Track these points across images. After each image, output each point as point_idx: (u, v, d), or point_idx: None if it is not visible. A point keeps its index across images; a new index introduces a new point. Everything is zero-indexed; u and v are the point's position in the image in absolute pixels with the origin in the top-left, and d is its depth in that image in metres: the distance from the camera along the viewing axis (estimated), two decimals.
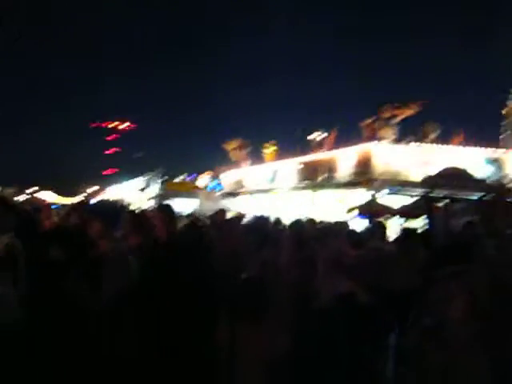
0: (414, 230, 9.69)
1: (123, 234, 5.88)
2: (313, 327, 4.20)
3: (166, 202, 40.94)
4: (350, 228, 9.79)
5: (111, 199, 47.73)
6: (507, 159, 25.57)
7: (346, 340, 4.01)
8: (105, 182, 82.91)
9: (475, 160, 24.05)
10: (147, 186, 60.44)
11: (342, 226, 9.68)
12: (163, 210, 6.11)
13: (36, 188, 61.86)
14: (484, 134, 46.58)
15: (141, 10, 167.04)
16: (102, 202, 14.81)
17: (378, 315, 4.32)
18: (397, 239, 8.16)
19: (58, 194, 57.92)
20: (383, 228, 9.10)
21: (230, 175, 43.90)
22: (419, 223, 18.48)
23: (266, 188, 35.17)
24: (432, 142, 26.01)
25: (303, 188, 30.58)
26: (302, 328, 4.35)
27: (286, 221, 12.70)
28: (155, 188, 56.30)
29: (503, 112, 42.65)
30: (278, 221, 12.02)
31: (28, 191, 60.14)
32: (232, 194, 42.01)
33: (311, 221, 10.38)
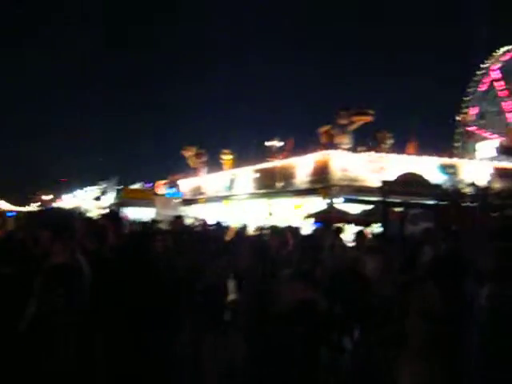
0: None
1: (77, 241, 5.75)
2: (273, 334, 4.19)
3: (123, 209, 40.61)
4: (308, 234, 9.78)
5: (66, 207, 46.82)
6: (461, 165, 26.14)
7: (304, 345, 4.04)
8: (60, 189, 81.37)
9: (429, 167, 24.48)
10: (103, 193, 59.70)
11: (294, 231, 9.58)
12: (111, 218, 6.05)
13: None
14: (438, 140, 47.88)
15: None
16: (55, 210, 14.37)
17: (335, 321, 4.38)
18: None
19: (11, 203, 56.50)
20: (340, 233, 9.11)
21: (189, 182, 43.64)
22: (375, 230, 18.71)
23: (223, 195, 35.08)
24: (387, 149, 26.42)
25: (260, 195, 30.59)
26: (262, 335, 4.33)
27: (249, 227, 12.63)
28: (111, 196, 55.66)
29: (458, 118, 43.85)
30: (243, 228, 11.97)
31: None
32: (190, 201, 41.79)
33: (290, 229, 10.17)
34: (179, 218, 11.04)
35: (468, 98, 45.03)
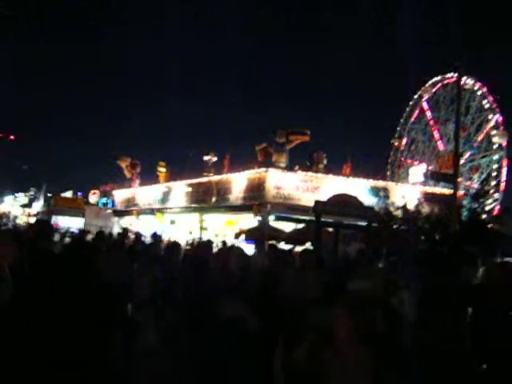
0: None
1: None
2: (206, 349, 4.12)
3: (53, 217, 39.39)
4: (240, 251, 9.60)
5: None
6: (393, 189, 26.80)
7: (233, 360, 3.99)
8: None
9: (362, 189, 24.94)
10: (33, 200, 57.94)
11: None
12: (38, 226, 5.73)
13: None
14: (371, 163, 49.13)
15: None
16: None
17: (264, 336, 4.27)
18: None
19: None
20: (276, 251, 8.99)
21: (122, 193, 42.84)
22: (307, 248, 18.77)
23: (156, 207, 34.60)
24: (322, 169, 26.76)
25: (193, 210, 30.29)
26: (197, 352, 4.23)
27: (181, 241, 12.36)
28: (40, 203, 54.09)
29: (393, 143, 45.11)
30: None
31: None
32: (122, 213, 41.04)
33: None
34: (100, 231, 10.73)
35: (399, 129, 46.62)
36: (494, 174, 39.32)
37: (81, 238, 10.96)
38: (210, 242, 9.18)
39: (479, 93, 40.32)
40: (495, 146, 39.90)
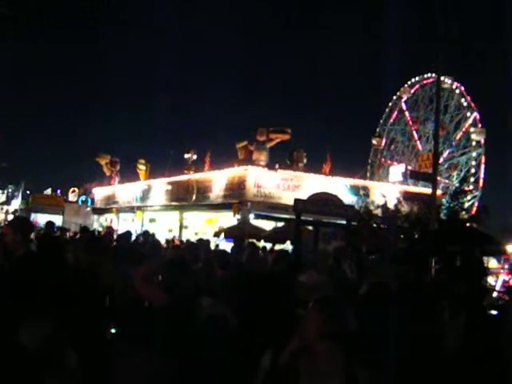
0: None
1: None
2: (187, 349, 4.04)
3: (32, 214, 38.92)
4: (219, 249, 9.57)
5: None
6: (373, 187, 26.92)
7: (216, 362, 3.89)
8: None
9: (343, 188, 25.03)
10: (11, 198, 57.28)
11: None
12: (16, 224, 5.56)
13: None
14: (351, 161, 49.37)
15: None
16: None
17: (246, 338, 4.22)
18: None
19: None
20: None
21: (102, 191, 42.49)
22: (286, 247, 18.77)
23: (135, 205, 34.38)
24: (302, 168, 26.77)
25: (173, 208, 30.13)
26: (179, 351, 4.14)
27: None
28: (18, 201, 53.53)
29: (373, 142, 45.42)
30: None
31: None
32: (102, 210, 40.75)
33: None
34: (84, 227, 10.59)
35: (378, 129, 46.95)
36: (473, 170, 39.92)
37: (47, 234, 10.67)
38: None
39: (457, 91, 40.88)
40: (474, 143, 40.50)
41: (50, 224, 11.99)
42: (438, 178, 18.37)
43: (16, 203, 53.58)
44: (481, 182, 39.77)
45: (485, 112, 42.35)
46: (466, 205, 24.33)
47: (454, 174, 40.60)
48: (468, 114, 40.69)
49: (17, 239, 5.13)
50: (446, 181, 38.98)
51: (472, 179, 39.14)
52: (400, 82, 46.00)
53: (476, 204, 35.76)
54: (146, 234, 13.79)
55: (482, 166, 39.96)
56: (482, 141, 40.25)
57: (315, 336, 3.15)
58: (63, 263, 5.68)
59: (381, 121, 47.14)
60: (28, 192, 52.96)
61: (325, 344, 3.14)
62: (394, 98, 46.35)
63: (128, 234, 11.26)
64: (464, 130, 41.01)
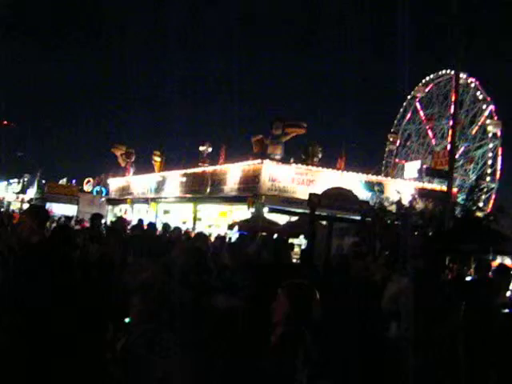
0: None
1: None
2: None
3: (47, 204, 39.25)
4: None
5: None
6: (388, 184, 26.82)
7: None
8: None
9: (357, 183, 24.95)
10: (26, 187, 57.71)
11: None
12: (33, 213, 5.57)
13: None
14: (368, 157, 49.17)
15: None
16: None
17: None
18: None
19: None
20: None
21: (117, 181, 42.75)
22: (300, 241, 18.78)
23: (150, 197, 34.54)
24: (317, 163, 26.70)
25: (187, 200, 30.23)
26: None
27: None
28: (34, 190, 53.93)
29: (390, 139, 45.23)
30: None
31: None
32: (116, 201, 41.02)
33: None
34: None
35: (394, 128, 46.72)
36: (490, 162, 39.74)
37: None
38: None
39: (472, 85, 40.68)
40: (490, 135, 40.30)
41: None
42: (454, 174, 18.24)
43: (31, 192, 53.95)
44: (497, 174, 39.62)
45: (500, 104, 42.18)
46: (483, 197, 24.17)
47: (471, 167, 40.47)
48: (484, 106, 40.52)
49: (33, 227, 5.18)
50: (462, 176, 38.84)
51: (489, 170, 39.07)
52: (414, 81, 45.88)
53: (493, 197, 35.64)
54: (165, 226, 14.04)
55: (499, 158, 39.78)
56: (499, 133, 40.07)
57: (281, 319, 3.27)
58: (69, 260, 5.60)
59: (395, 121, 47.10)
60: (43, 182, 53.37)
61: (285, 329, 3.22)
62: (409, 97, 46.25)
63: (140, 222, 11.35)
64: (480, 123, 40.80)
